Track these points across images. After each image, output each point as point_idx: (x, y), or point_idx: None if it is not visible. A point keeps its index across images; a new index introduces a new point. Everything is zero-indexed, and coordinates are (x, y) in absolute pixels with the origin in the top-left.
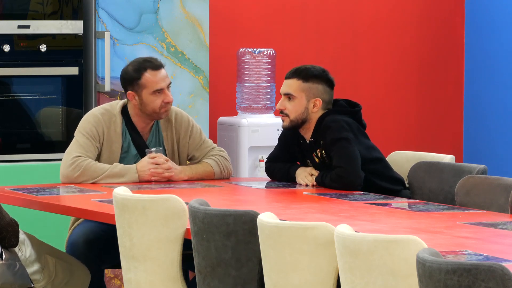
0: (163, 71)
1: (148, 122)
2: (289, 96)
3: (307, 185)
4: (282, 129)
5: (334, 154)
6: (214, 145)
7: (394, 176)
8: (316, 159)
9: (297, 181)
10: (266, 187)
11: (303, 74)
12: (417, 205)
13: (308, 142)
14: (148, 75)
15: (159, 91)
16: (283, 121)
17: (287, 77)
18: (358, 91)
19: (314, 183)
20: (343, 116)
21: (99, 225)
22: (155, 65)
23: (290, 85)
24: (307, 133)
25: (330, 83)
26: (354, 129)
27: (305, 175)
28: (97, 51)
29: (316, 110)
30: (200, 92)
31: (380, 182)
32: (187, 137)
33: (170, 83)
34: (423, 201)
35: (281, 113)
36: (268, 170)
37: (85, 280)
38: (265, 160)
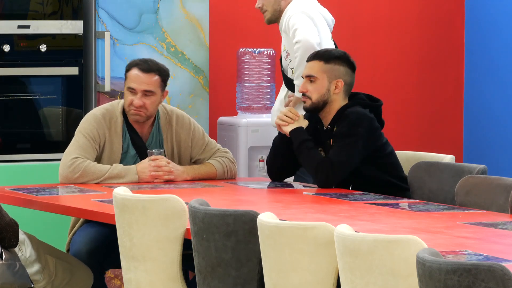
0: (147, 77)
1: (142, 123)
2: (310, 78)
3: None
4: (304, 111)
5: (336, 146)
6: (219, 146)
7: (402, 175)
8: (330, 148)
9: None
10: (266, 187)
11: (325, 56)
12: (417, 205)
13: (325, 128)
14: (132, 71)
15: (131, 90)
16: (304, 102)
17: (308, 60)
18: (358, 91)
19: (286, 119)
20: (366, 110)
21: (99, 231)
22: (143, 67)
23: (312, 67)
24: (327, 117)
25: (351, 66)
26: (372, 126)
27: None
28: (97, 51)
29: (338, 92)
30: (200, 92)
31: (390, 178)
32: (189, 140)
33: (149, 91)
34: (423, 201)
35: (303, 95)
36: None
37: (87, 280)
38: (265, 159)
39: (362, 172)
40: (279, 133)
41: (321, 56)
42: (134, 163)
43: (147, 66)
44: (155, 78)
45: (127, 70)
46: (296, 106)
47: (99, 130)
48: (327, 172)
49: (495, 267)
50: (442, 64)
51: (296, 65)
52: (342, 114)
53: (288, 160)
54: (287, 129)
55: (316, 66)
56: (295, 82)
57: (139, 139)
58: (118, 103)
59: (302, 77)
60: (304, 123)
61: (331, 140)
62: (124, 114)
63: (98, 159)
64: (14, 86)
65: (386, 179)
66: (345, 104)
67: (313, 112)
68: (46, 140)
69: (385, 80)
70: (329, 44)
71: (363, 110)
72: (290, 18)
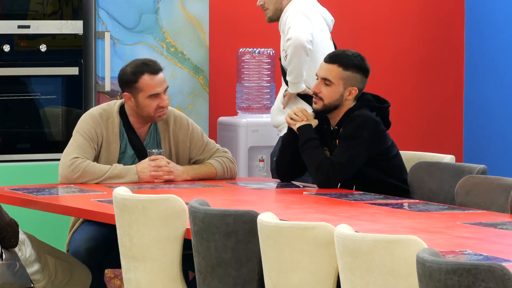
0: (161, 75)
1: (144, 123)
2: (326, 82)
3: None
4: (313, 111)
5: (339, 147)
6: (218, 145)
7: (405, 177)
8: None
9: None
10: (266, 187)
11: (344, 61)
12: (417, 205)
13: (332, 129)
14: (145, 79)
15: (155, 95)
16: (315, 103)
17: (326, 61)
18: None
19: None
20: (373, 113)
21: (99, 230)
22: (154, 69)
23: (330, 71)
24: (335, 118)
25: (366, 72)
26: (377, 129)
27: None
28: (97, 51)
29: (351, 98)
30: (200, 92)
31: (391, 180)
32: (187, 141)
33: (167, 87)
34: (423, 201)
35: (315, 95)
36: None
37: (86, 280)
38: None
39: (365, 173)
40: (288, 131)
41: (340, 61)
42: (132, 163)
43: (155, 66)
44: (163, 74)
45: (135, 80)
46: (291, 101)
47: (96, 130)
48: (327, 172)
49: (495, 267)
50: (442, 64)
51: (287, 62)
52: (349, 116)
53: (296, 159)
54: (296, 126)
55: (335, 71)
56: (287, 78)
57: (137, 140)
58: (115, 104)
59: (316, 75)
60: (314, 123)
61: (337, 140)
62: (121, 114)
63: (96, 159)
64: (14, 86)
65: (388, 181)
66: (353, 106)
67: (323, 113)
68: (46, 140)
69: (385, 80)
70: (329, 44)
71: (370, 113)
72: (288, 18)
